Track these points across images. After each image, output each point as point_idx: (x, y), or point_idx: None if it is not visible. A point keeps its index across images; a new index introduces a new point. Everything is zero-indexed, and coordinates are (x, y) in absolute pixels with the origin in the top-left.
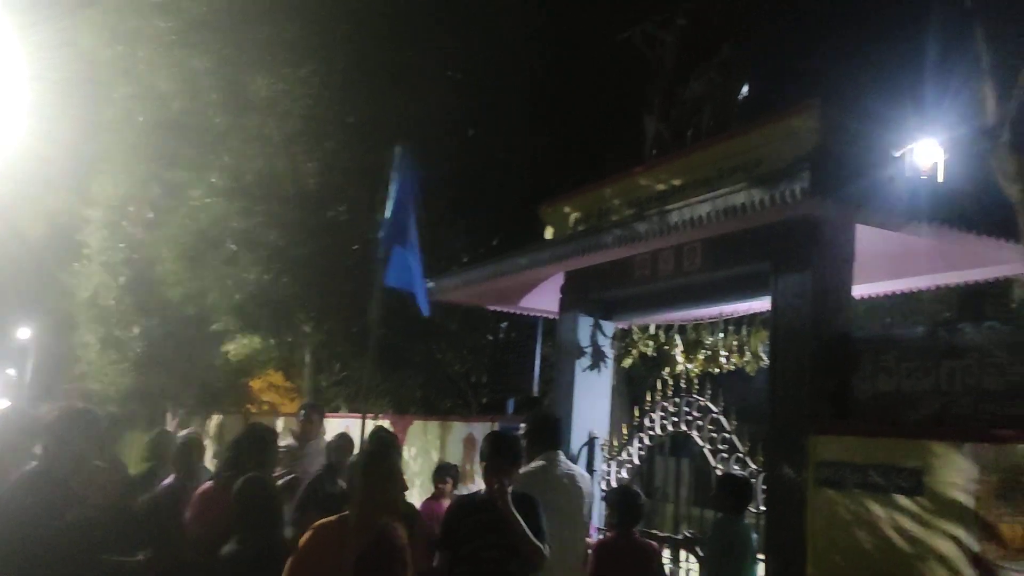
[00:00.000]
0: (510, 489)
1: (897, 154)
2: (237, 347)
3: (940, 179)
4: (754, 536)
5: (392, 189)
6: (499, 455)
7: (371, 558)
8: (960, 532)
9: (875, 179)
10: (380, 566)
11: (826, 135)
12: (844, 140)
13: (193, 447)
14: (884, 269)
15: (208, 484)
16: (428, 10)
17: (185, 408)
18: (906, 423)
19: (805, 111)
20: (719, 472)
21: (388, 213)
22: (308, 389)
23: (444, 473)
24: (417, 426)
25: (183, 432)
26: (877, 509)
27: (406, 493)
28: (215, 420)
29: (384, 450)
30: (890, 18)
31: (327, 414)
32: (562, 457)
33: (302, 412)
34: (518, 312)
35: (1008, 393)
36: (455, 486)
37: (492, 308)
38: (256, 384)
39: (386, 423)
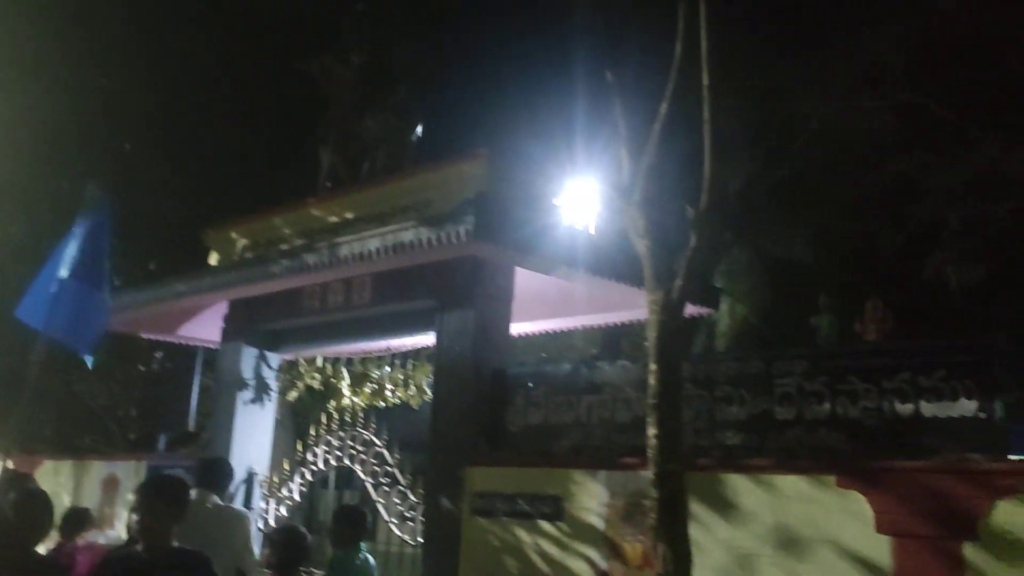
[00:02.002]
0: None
1: (555, 204)
2: None
3: (592, 229)
4: (371, 567)
5: (80, 227)
6: (156, 498)
7: None
8: (592, 553)
9: (535, 226)
10: None
11: (492, 182)
12: (509, 187)
13: None
14: (540, 309)
15: None
16: (85, 13)
17: None
18: (550, 454)
19: (474, 158)
20: (381, 505)
21: (72, 250)
22: None
23: (74, 519)
24: (47, 467)
25: None
26: (524, 535)
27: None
28: None
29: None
30: (551, 78)
31: None
32: (213, 496)
33: None
34: (176, 341)
35: (634, 424)
36: (86, 532)
37: (147, 336)
38: None
39: (8, 464)
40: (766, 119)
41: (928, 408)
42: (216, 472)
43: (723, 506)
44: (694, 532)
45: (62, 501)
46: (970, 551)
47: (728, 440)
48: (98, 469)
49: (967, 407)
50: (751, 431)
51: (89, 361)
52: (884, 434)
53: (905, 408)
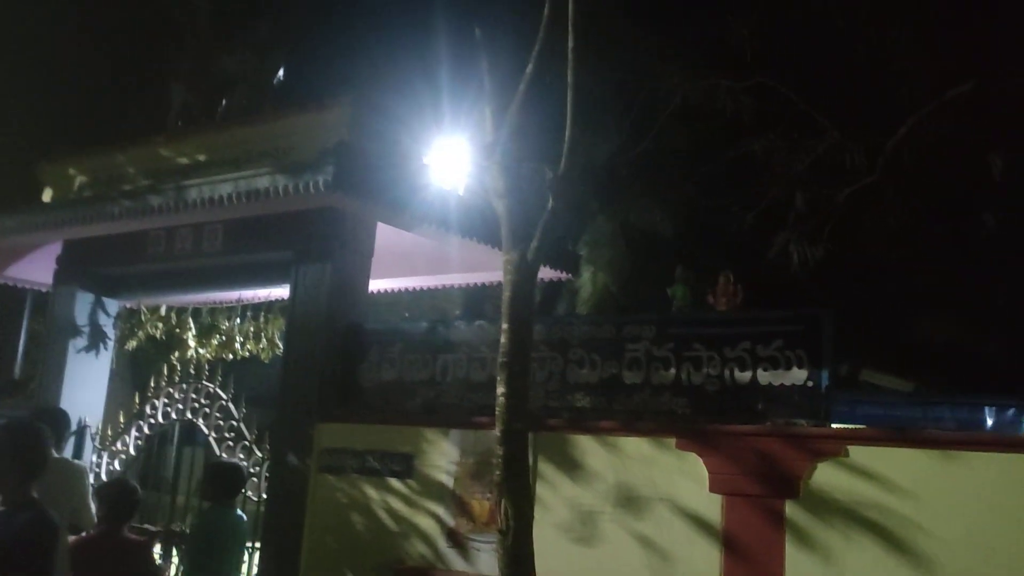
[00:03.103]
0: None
1: (422, 161)
2: None
3: (459, 189)
4: (245, 524)
5: None
6: (14, 446)
7: None
8: (440, 510)
9: (399, 181)
10: None
11: (356, 133)
12: (373, 140)
13: None
14: (404, 267)
15: None
16: None
17: None
18: (403, 411)
19: (338, 107)
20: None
21: None
22: None
23: None
24: None
25: None
26: (372, 492)
27: None
28: None
29: None
30: (422, 34)
31: None
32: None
33: None
34: (2, 282)
35: (488, 384)
36: None
37: None
38: None
39: None
40: (632, 93)
41: (764, 376)
42: (53, 423)
43: (569, 465)
44: (540, 490)
45: None
46: (791, 508)
47: (578, 402)
48: None
49: (798, 376)
50: (600, 394)
51: None
52: (724, 400)
53: (743, 375)
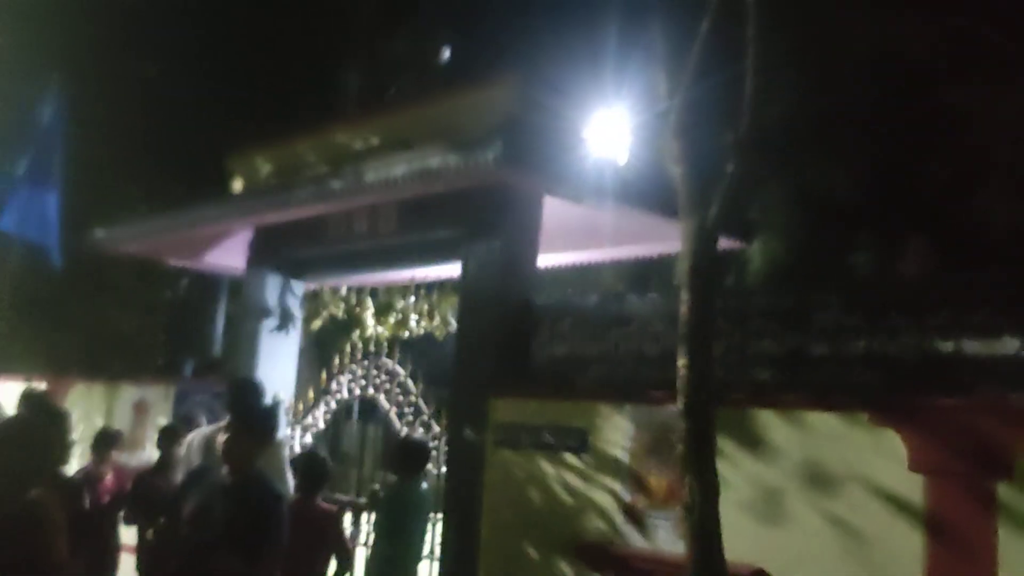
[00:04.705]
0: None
1: (587, 131)
2: None
3: (624, 158)
4: (430, 498)
5: (39, 122)
6: (246, 427)
7: (11, 532)
8: (616, 485)
9: (565, 154)
10: (21, 540)
11: (522, 108)
12: (538, 114)
13: None
14: (568, 240)
15: None
16: None
17: None
18: (576, 386)
19: (504, 84)
20: (403, 435)
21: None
22: None
23: (104, 440)
24: (80, 389)
25: None
26: (547, 467)
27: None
28: None
29: (32, 418)
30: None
31: None
32: None
33: None
34: (201, 268)
35: (663, 358)
36: (116, 452)
37: (172, 263)
38: None
39: (41, 386)
40: (811, 42)
41: (970, 346)
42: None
43: (752, 441)
44: (721, 466)
45: (94, 423)
46: (1004, 490)
47: (759, 375)
48: (129, 393)
49: (1010, 345)
50: (783, 367)
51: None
52: (923, 372)
53: (946, 345)
